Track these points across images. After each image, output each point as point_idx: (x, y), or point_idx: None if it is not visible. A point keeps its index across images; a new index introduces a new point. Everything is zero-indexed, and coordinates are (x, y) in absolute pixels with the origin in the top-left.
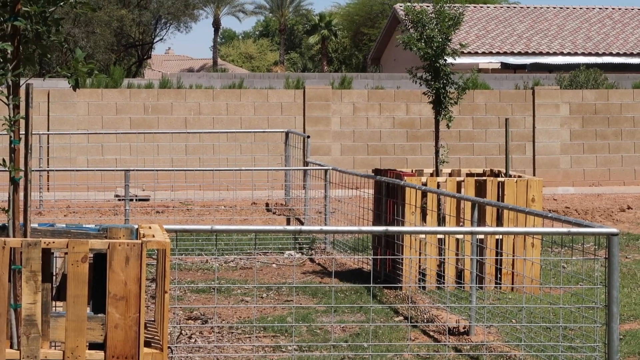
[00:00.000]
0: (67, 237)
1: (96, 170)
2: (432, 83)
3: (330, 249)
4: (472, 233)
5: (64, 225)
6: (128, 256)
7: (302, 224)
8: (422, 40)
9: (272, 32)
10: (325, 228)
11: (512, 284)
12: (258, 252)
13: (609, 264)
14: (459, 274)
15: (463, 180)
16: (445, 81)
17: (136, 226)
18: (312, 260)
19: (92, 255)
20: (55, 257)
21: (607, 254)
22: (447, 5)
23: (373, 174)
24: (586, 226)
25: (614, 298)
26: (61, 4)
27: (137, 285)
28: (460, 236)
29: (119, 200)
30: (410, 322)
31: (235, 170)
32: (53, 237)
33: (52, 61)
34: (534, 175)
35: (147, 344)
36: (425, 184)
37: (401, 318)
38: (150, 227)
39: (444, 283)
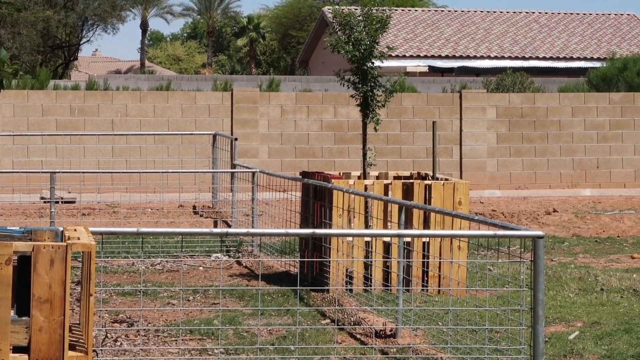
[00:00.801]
0: None
1: (21, 172)
2: (360, 86)
3: (257, 251)
4: (398, 236)
5: None
6: (53, 259)
7: (229, 226)
8: (350, 43)
9: (201, 34)
10: (252, 231)
11: (439, 286)
12: (185, 255)
13: (535, 266)
14: (386, 277)
15: (390, 183)
16: (372, 84)
17: (61, 228)
18: (239, 263)
19: (16, 258)
20: None
21: (533, 257)
22: (375, 8)
23: (301, 177)
24: (512, 229)
25: (539, 300)
26: None
27: (62, 288)
28: (387, 239)
29: (45, 202)
30: (337, 325)
31: (162, 172)
32: None
33: None
34: (461, 178)
35: (72, 347)
36: (352, 187)
37: (328, 321)
38: (75, 230)
39: (371, 286)
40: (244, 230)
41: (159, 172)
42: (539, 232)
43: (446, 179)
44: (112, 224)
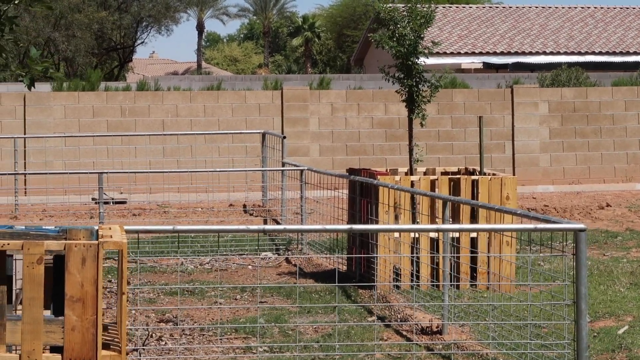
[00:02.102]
0: (24, 239)
1: (71, 173)
2: (405, 81)
3: (306, 249)
4: (437, 230)
5: (24, 227)
6: (84, 257)
7: (278, 224)
8: (394, 39)
9: (257, 35)
10: (289, 227)
11: (488, 282)
12: (234, 254)
13: (577, 260)
14: (434, 274)
15: (437, 179)
16: (417, 79)
17: (97, 227)
18: (288, 261)
19: (51, 257)
20: (15, 260)
21: (575, 250)
22: (419, 4)
23: (347, 174)
24: (554, 222)
25: (582, 294)
26: (15, 1)
27: (94, 286)
28: (434, 235)
29: (96, 203)
30: (383, 322)
31: (211, 171)
32: (11, 239)
33: (9, 61)
34: (514, 174)
35: (106, 347)
36: (398, 183)
37: (374, 318)
38: (110, 228)
39: (418, 282)
40: (280, 227)
41: (208, 172)
42: (581, 225)
43: (494, 174)
44: (162, 223)
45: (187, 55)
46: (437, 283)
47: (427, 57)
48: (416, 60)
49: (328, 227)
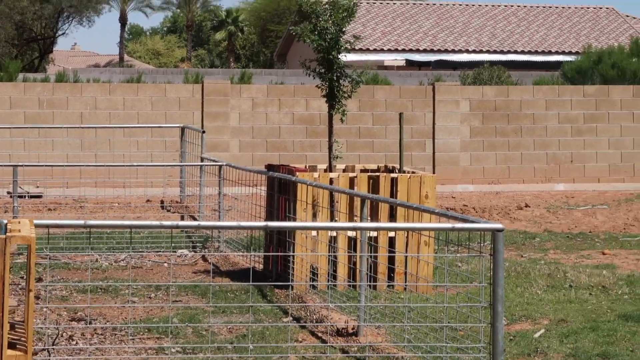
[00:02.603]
0: None
1: None
2: (326, 76)
3: (224, 247)
4: (354, 229)
5: None
6: None
7: (195, 221)
8: (316, 32)
9: (180, 29)
10: (203, 223)
11: (405, 283)
12: (150, 251)
13: (494, 261)
14: (352, 273)
15: (356, 176)
16: (338, 74)
17: (5, 221)
18: (204, 259)
19: None
20: None
21: (492, 251)
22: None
23: (266, 170)
24: (471, 222)
25: (498, 296)
26: None
27: (0, 282)
28: (352, 233)
29: (11, 197)
30: (299, 323)
31: (128, 166)
32: None
33: None
34: (434, 172)
35: (12, 346)
36: (317, 180)
37: (290, 319)
38: (19, 222)
39: (335, 282)
40: (194, 223)
41: (125, 166)
42: (498, 225)
43: (413, 172)
44: (77, 218)
45: (110, 47)
46: (354, 283)
47: (349, 52)
48: (337, 54)
49: (243, 224)
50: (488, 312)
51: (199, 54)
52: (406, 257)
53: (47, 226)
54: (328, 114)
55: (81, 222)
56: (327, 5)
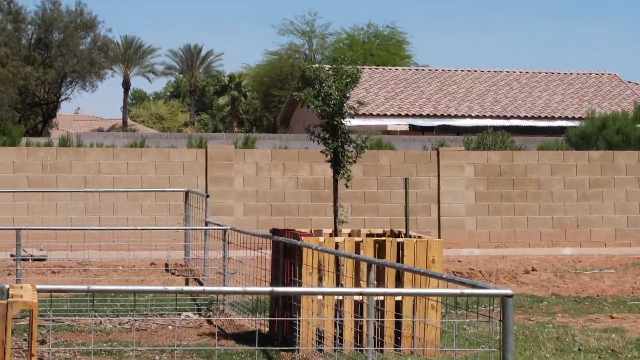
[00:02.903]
0: None
1: None
2: (330, 141)
3: (229, 310)
4: (361, 294)
5: None
6: None
7: (201, 285)
8: (320, 98)
9: (183, 93)
10: (207, 288)
11: (412, 347)
12: (155, 314)
13: (503, 326)
14: (358, 337)
15: (362, 241)
16: (343, 139)
17: (8, 286)
18: (209, 322)
19: None
20: None
21: (502, 316)
22: (345, 64)
23: (271, 234)
24: (481, 287)
25: None
26: None
27: (1, 348)
28: (358, 298)
29: (14, 260)
30: None
31: (132, 229)
32: None
33: None
34: (440, 236)
35: None
36: (322, 244)
37: None
38: (22, 287)
39: (342, 346)
40: (199, 288)
41: (129, 229)
42: (508, 291)
43: (419, 237)
44: (81, 282)
45: (113, 112)
46: (361, 348)
47: (353, 117)
48: (341, 120)
49: (249, 289)
50: None
51: (202, 118)
52: (413, 321)
53: (50, 291)
54: (333, 179)
55: (84, 287)
56: (330, 72)
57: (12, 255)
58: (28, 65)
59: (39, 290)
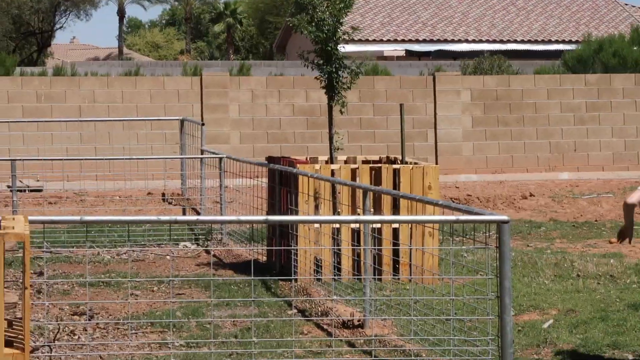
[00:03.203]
0: None
1: None
2: (324, 67)
3: (226, 239)
4: (356, 221)
5: None
6: None
7: (198, 214)
8: (313, 23)
9: (179, 21)
10: (201, 218)
11: (410, 275)
12: (152, 244)
13: (500, 253)
14: (356, 265)
15: (358, 168)
16: (337, 65)
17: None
18: (207, 251)
19: None
20: None
21: (498, 243)
22: None
23: (267, 162)
24: (476, 213)
25: (506, 288)
26: None
27: None
28: (355, 226)
29: (10, 191)
30: (304, 316)
31: (128, 159)
32: None
33: None
34: (437, 162)
35: (9, 344)
36: (318, 172)
37: (295, 311)
38: (14, 219)
39: (339, 275)
40: (193, 218)
41: (125, 159)
42: (504, 217)
43: (415, 163)
44: (78, 212)
45: (109, 41)
46: (359, 276)
47: (347, 43)
48: (335, 46)
49: (243, 217)
50: (496, 304)
51: (198, 46)
52: (410, 249)
53: (43, 222)
54: (328, 106)
55: (77, 217)
56: None
57: (8, 186)
58: None
59: (31, 222)
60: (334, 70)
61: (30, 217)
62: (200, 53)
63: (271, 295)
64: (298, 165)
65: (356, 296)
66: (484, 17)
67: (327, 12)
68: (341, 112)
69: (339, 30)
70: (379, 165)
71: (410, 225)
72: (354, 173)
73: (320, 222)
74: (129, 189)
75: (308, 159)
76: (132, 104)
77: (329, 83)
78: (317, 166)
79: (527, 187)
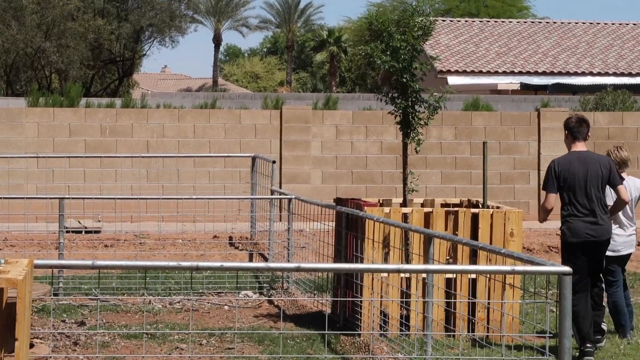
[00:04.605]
0: None
1: (25, 197)
2: (399, 101)
3: (293, 288)
4: (398, 271)
5: None
6: None
7: (265, 260)
8: (388, 52)
9: (281, 50)
10: (225, 264)
11: (487, 331)
12: (210, 292)
13: (561, 308)
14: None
15: (432, 212)
16: (413, 99)
17: (3, 260)
18: (270, 302)
19: None
20: None
21: (559, 297)
22: (416, 16)
23: (334, 204)
24: (538, 264)
25: (565, 348)
26: None
27: None
28: (424, 276)
29: (67, 232)
30: None
31: (187, 198)
32: None
33: None
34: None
35: None
36: (387, 216)
37: None
38: (17, 262)
39: (408, 328)
40: (217, 264)
41: (183, 199)
42: (565, 268)
43: (497, 207)
44: (134, 256)
45: (204, 70)
46: (426, 333)
47: (425, 75)
48: (411, 78)
49: (273, 265)
50: None
51: (300, 77)
52: (470, 302)
53: (51, 267)
54: (402, 143)
55: (89, 262)
56: (400, 23)
57: (65, 227)
58: (101, 19)
59: (36, 266)
60: (409, 104)
61: (36, 261)
62: (303, 85)
63: (330, 352)
64: (366, 208)
65: (420, 355)
66: (611, 48)
67: (403, 40)
68: (416, 151)
69: (416, 60)
70: (456, 209)
71: (486, 277)
72: (427, 218)
73: (375, 271)
74: (194, 232)
75: (381, 201)
76: (204, 139)
77: (404, 118)
78: (386, 209)
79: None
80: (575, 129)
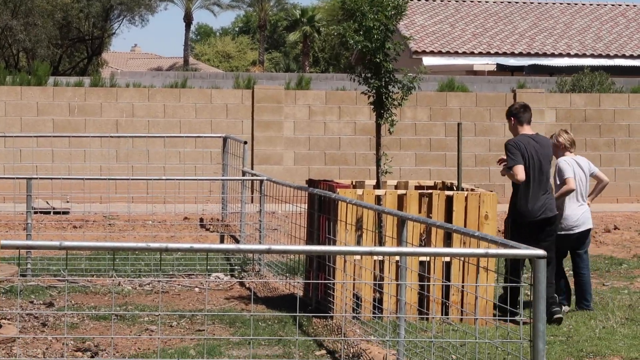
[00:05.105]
0: None
1: None
2: (372, 81)
3: (265, 271)
4: (370, 253)
5: None
6: None
7: (237, 241)
8: (361, 32)
9: (254, 29)
10: (195, 246)
11: (461, 315)
12: (181, 274)
13: (534, 291)
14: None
15: (405, 194)
16: (387, 79)
17: None
18: (241, 284)
19: None
20: None
21: (532, 280)
22: None
23: (306, 186)
24: (512, 247)
25: (539, 332)
26: None
27: None
28: (398, 258)
29: (35, 213)
30: (333, 358)
31: (157, 179)
32: None
33: None
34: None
35: None
36: (360, 198)
37: (324, 352)
38: None
39: (380, 311)
40: (186, 245)
41: (149, 179)
42: (539, 252)
43: (472, 190)
44: (103, 237)
45: (175, 50)
46: (399, 316)
47: (399, 54)
48: (384, 58)
49: (242, 247)
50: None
51: (273, 57)
52: (442, 285)
53: (17, 247)
54: (376, 124)
55: (57, 243)
56: (373, 2)
57: (33, 208)
58: None
59: (3, 247)
60: (383, 84)
61: (3, 242)
62: (276, 64)
63: (302, 334)
64: (338, 190)
65: (393, 337)
66: (589, 29)
67: (376, 20)
68: (390, 132)
69: (389, 40)
70: (430, 191)
71: (462, 259)
72: (401, 200)
73: (348, 253)
74: (164, 213)
75: (354, 182)
76: (174, 119)
77: (378, 99)
78: (359, 191)
79: (613, 219)
80: (520, 114)
